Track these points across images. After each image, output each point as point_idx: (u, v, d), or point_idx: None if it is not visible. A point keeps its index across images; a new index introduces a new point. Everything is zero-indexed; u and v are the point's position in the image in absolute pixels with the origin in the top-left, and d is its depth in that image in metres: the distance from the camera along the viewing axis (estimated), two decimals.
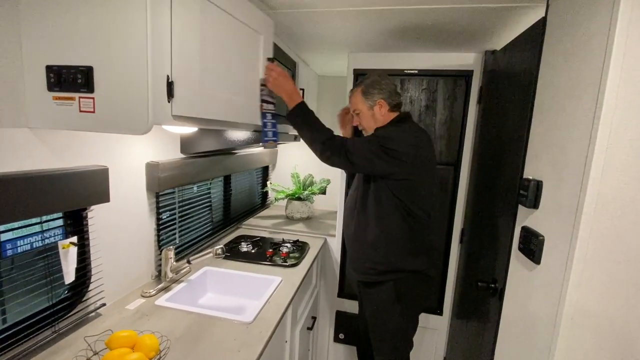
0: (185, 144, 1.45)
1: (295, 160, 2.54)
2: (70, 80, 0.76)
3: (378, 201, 1.29)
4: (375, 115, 1.34)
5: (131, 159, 1.17)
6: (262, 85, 1.19)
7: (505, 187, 1.19)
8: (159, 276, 1.32)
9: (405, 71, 1.72)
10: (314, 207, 2.34)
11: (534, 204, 0.97)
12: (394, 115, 1.34)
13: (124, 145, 1.12)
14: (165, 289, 1.24)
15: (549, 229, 0.90)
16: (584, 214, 0.74)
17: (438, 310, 1.90)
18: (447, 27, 1.35)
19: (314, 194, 2.19)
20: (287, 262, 1.54)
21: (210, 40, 0.93)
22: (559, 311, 0.81)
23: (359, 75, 1.78)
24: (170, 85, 0.81)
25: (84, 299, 1.02)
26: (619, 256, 0.74)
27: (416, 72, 1.72)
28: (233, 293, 1.41)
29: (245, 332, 1.02)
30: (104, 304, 1.08)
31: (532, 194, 0.97)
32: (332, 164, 1.30)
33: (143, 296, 1.18)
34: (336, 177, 2.35)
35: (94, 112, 0.76)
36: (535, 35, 1.06)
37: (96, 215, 1.03)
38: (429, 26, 1.35)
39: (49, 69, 0.77)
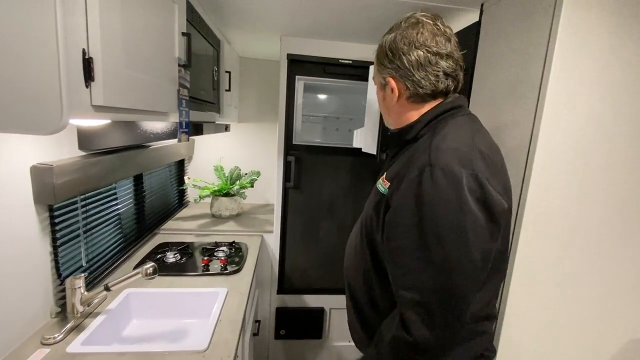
0: (85, 138, 1.11)
1: (218, 150, 2.29)
2: None
3: None
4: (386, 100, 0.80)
5: (6, 161, 0.83)
6: (179, 66, 0.99)
7: None
8: (62, 312, 1.01)
9: (340, 60, 1.70)
10: (243, 202, 2.17)
11: None
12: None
13: None
14: (77, 327, 0.96)
15: None
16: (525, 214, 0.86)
17: None
18: (381, 20, 1.36)
19: (245, 188, 2.02)
20: (227, 269, 1.37)
21: (130, 7, 0.71)
22: None
23: (293, 62, 1.68)
24: (88, 63, 0.58)
25: None
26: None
27: (350, 62, 1.71)
28: (170, 315, 1.19)
29: None
30: None
31: None
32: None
33: (45, 344, 0.88)
34: (266, 168, 2.23)
35: None
36: (469, 38, 1.15)
37: None
38: (363, 19, 1.34)
39: None
